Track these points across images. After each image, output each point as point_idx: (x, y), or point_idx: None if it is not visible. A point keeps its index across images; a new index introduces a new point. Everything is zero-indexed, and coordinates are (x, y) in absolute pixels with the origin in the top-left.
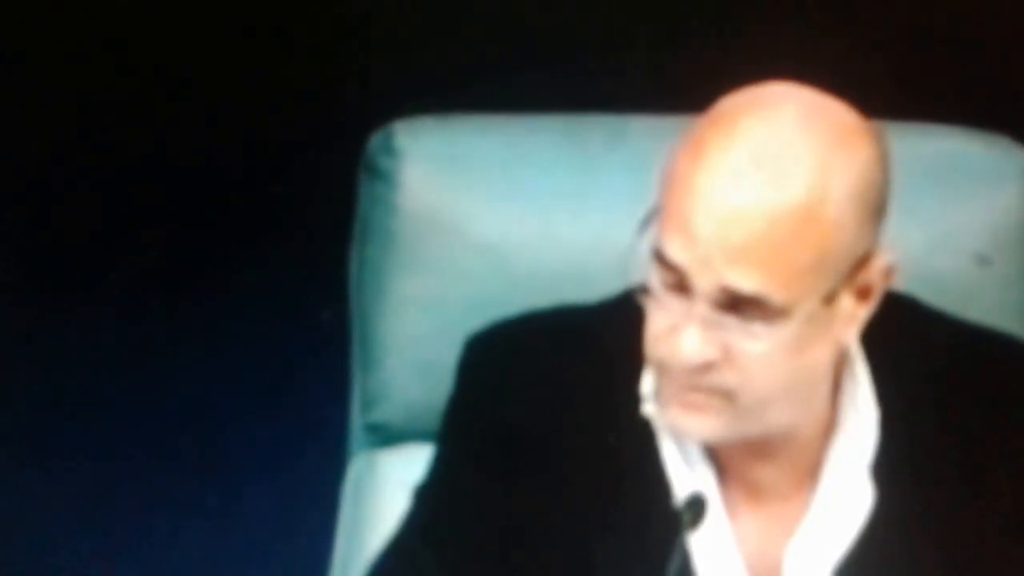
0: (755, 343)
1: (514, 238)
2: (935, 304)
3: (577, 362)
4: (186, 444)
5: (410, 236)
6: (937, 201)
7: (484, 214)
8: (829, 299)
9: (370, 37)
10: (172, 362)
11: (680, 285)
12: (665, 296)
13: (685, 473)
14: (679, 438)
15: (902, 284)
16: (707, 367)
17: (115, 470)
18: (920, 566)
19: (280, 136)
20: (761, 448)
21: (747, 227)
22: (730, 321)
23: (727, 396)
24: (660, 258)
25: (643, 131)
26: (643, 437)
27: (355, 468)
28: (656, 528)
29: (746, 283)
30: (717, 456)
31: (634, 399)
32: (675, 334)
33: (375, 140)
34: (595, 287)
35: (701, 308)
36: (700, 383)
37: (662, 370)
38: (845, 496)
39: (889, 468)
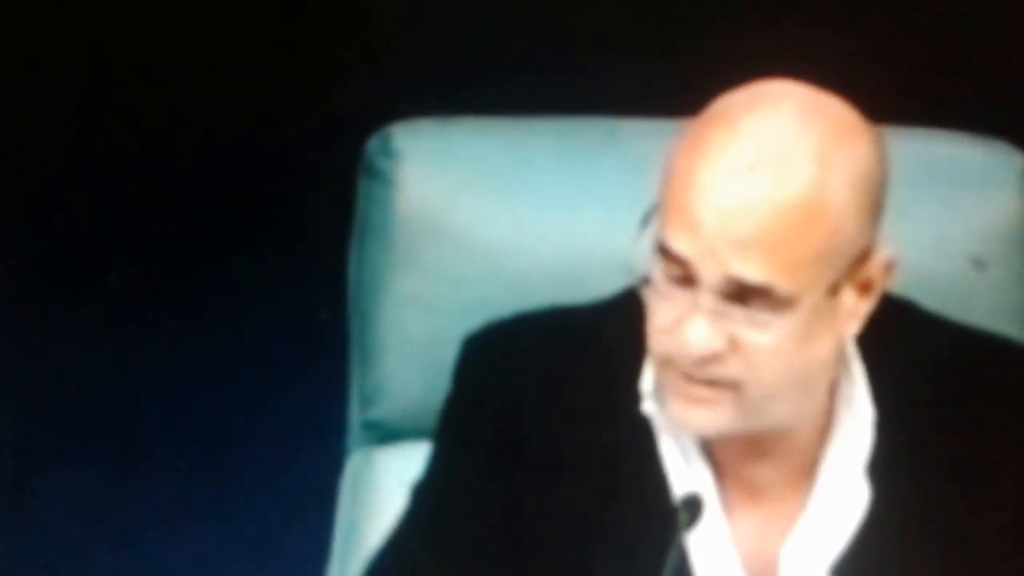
0: (762, 333)
1: (512, 239)
2: (931, 307)
3: (574, 361)
4: (185, 442)
5: (408, 237)
6: (934, 205)
7: (482, 215)
8: (833, 291)
9: (369, 39)
10: (171, 361)
11: (685, 277)
12: (669, 289)
13: (683, 472)
14: (683, 433)
15: (899, 287)
16: (713, 358)
17: (114, 468)
18: (915, 565)
19: (279, 137)
20: (758, 447)
21: (752, 218)
22: (736, 312)
23: (733, 388)
24: (664, 251)
25: (640, 134)
26: (641, 436)
27: (353, 465)
28: (653, 526)
29: (752, 272)
30: (715, 455)
31: (632, 398)
32: (681, 326)
33: (374, 142)
34: (592, 287)
35: (707, 299)
36: (705, 376)
37: (667, 364)
38: (841, 496)
39: (885, 468)
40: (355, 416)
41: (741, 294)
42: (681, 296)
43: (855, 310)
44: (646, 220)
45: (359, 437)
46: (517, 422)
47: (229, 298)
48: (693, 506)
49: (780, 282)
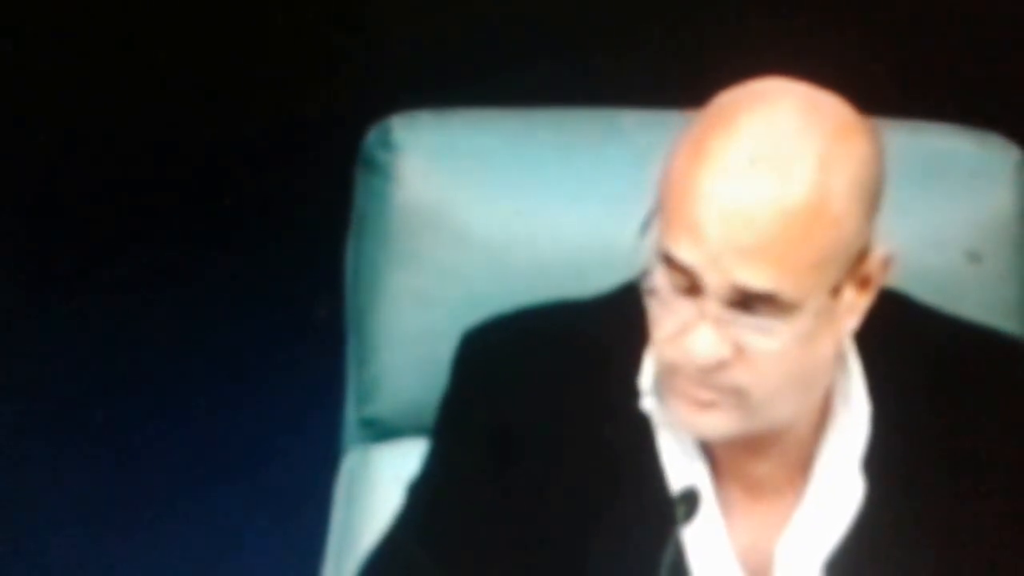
0: (768, 339)
1: (511, 232)
2: (926, 301)
3: (573, 357)
4: (181, 438)
5: (406, 230)
6: (928, 198)
7: (480, 208)
8: (835, 291)
9: (367, 31)
10: (167, 357)
11: (690, 287)
12: (673, 298)
13: (680, 467)
14: (688, 436)
15: (894, 281)
16: (720, 366)
17: (111, 465)
18: (910, 560)
19: (277, 130)
20: (756, 443)
21: (756, 226)
22: (742, 318)
23: (738, 393)
24: (668, 260)
25: (639, 125)
26: (639, 431)
27: (349, 462)
28: (650, 521)
29: (758, 281)
30: (712, 451)
31: (630, 393)
32: (686, 335)
33: (372, 134)
34: (591, 282)
35: (712, 307)
36: (711, 383)
37: (673, 372)
38: (837, 490)
39: (880, 463)
40: (351, 413)
41: (746, 301)
42: (685, 305)
43: (855, 306)
44: (645, 226)
45: (355, 434)
46: (515, 418)
47: (226, 292)
48: (690, 500)
49: (786, 289)
